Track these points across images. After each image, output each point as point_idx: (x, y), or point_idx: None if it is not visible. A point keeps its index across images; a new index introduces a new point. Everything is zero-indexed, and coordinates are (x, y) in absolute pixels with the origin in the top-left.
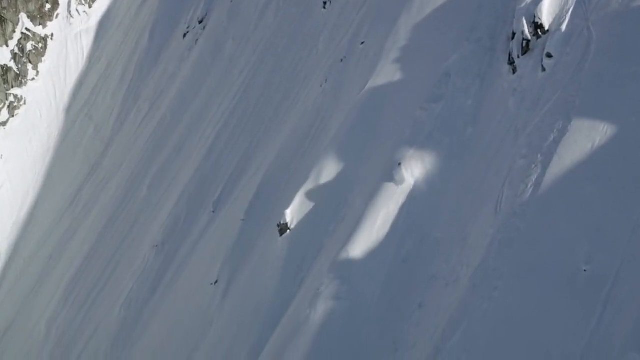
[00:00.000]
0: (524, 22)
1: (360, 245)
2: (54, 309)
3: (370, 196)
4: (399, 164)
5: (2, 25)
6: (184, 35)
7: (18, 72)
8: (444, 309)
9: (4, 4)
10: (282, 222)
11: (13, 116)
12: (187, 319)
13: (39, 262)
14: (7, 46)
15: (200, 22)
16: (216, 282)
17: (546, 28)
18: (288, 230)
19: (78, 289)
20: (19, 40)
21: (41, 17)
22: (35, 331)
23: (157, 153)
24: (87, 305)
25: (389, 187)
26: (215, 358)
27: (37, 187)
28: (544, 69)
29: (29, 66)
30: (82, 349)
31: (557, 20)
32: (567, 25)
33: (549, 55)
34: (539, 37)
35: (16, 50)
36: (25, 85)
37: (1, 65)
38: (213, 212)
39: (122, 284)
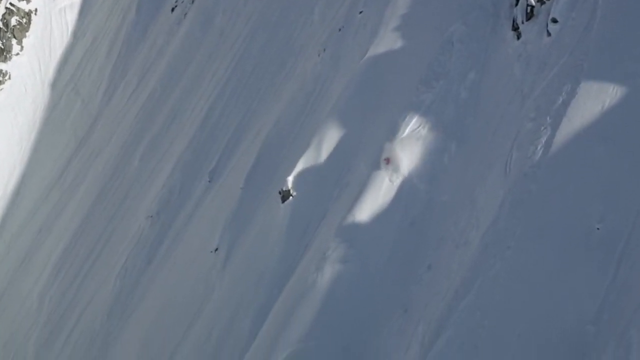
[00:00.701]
0: None
1: (366, 210)
2: (45, 280)
3: (375, 162)
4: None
5: None
6: (172, 9)
7: (2, 47)
8: (454, 270)
9: None
10: (284, 189)
11: None
12: (187, 287)
13: (28, 236)
14: None
15: None
16: (216, 250)
17: None
18: (290, 197)
19: (70, 261)
20: (3, 15)
21: None
22: (26, 303)
23: (147, 126)
24: (81, 276)
25: (393, 153)
26: (219, 324)
27: (23, 161)
28: (549, 34)
29: (14, 41)
30: (77, 319)
31: None
32: None
33: (554, 21)
34: (543, 3)
35: (0, 25)
36: (9, 60)
37: None
38: (209, 181)
39: (116, 254)
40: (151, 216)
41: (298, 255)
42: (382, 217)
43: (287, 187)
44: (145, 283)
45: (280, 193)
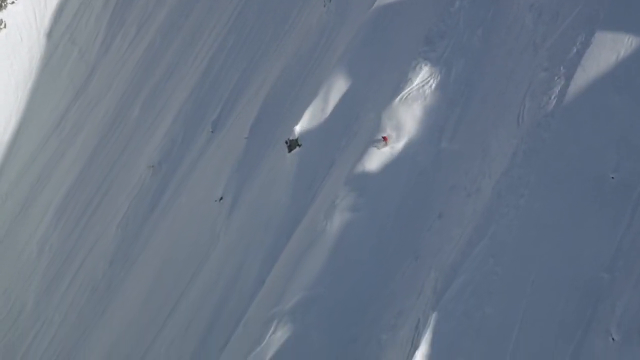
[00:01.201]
0: None
1: (376, 159)
2: (45, 229)
3: (383, 111)
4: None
5: None
6: None
7: None
8: (467, 217)
9: None
10: (290, 139)
11: None
12: (191, 235)
13: (26, 185)
14: None
15: None
16: (221, 199)
17: None
18: (298, 147)
19: (70, 210)
20: None
21: None
22: (25, 252)
23: (147, 76)
24: (81, 225)
25: (403, 102)
26: (226, 271)
27: (19, 110)
28: None
29: None
30: (78, 267)
31: None
32: None
33: None
34: None
35: None
36: (4, 9)
37: None
38: (212, 132)
39: (117, 203)
40: (153, 166)
41: (305, 204)
42: (391, 166)
43: (294, 136)
44: (147, 232)
45: (286, 142)
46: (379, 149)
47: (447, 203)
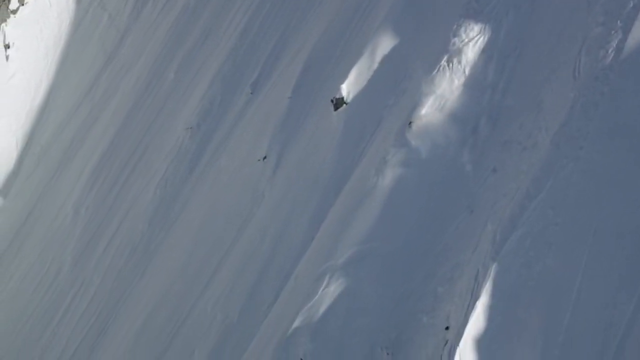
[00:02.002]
0: None
1: (426, 115)
2: (80, 192)
3: (433, 68)
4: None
5: None
6: None
7: None
8: (524, 171)
9: None
10: (336, 97)
11: (23, 4)
12: (234, 195)
13: (59, 149)
14: None
15: None
16: (264, 158)
17: None
18: (344, 105)
19: (106, 172)
20: None
21: None
22: (60, 215)
23: (181, 40)
24: (117, 187)
25: (451, 58)
26: (272, 228)
27: (50, 76)
28: None
29: None
30: (116, 229)
31: None
32: None
33: None
34: None
35: None
36: None
37: None
38: (251, 93)
39: (154, 165)
40: (191, 128)
41: (353, 161)
42: (443, 123)
43: (340, 94)
44: (186, 193)
45: (332, 101)
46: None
47: (501, 158)
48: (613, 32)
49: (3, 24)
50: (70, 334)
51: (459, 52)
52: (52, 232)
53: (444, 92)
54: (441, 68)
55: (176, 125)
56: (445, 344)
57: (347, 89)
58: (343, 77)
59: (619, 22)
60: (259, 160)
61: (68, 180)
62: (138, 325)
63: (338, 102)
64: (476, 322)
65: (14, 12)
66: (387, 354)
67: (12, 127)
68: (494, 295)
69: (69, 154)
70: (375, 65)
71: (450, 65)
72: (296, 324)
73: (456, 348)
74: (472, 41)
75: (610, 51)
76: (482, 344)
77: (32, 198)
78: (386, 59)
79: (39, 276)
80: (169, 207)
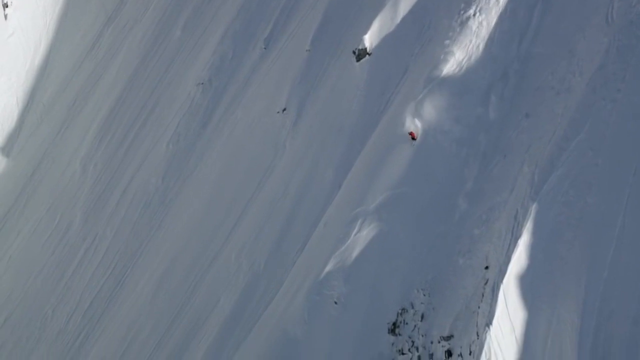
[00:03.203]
0: None
1: (454, 63)
2: (88, 148)
3: (459, 17)
4: None
5: None
6: None
7: None
8: (559, 114)
9: None
10: (359, 48)
11: None
12: (253, 147)
13: (62, 107)
14: None
15: None
16: (284, 110)
17: None
18: (367, 56)
19: (114, 128)
20: None
21: None
22: (68, 171)
23: None
24: (127, 143)
25: (478, 9)
26: (296, 177)
27: (49, 34)
28: None
29: None
30: (127, 183)
31: None
32: None
33: None
34: None
35: None
36: None
37: None
38: (265, 48)
39: (165, 121)
40: (202, 83)
41: (379, 110)
42: (472, 71)
43: (363, 45)
44: (201, 147)
45: (354, 52)
46: (410, 144)
47: (533, 103)
48: None
49: None
50: (84, 287)
51: (484, 3)
52: (59, 189)
53: (471, 40)
54: (467, 16)
55: (186, 81)
56: (486, 283)
57: (369, 39)
58: (365, 29)
59: None
60: (278, 112)
61: (74, 138)
62: (158, 275)
63: (361, 53)
64: (518, 260)
65: None
66: (424, 294)
67: (12, 86)
68: (535, 234)
69: (73, 112)
70: (399, 16)
71: (477, 14)
72: (328, 268)
73: (500, 285)
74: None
75: None
76: (525, 281)
77: (37, 155)
78: (409, 9)
79: (48, 231)
80: (182, 161)
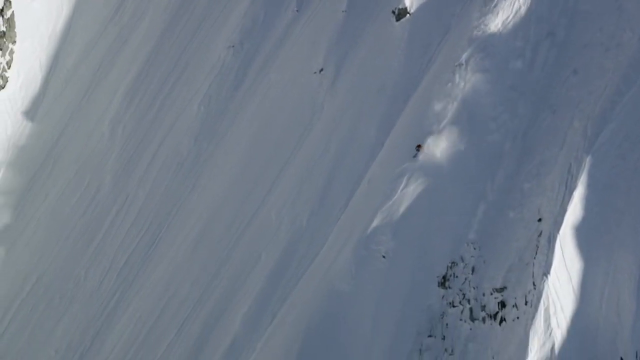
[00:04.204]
0: None
1: (499, 20)
2: (115, 111)
3: None
4: None
5: None
6: None
7: None
8: (610, 69)
9: None
10: (399, 7)
11: None
12: (289, 107)
13: (87, 71)
14: None
15: None
16: (321, 70)
17: None
18: (407, 15)
19: (141, 92)
20: None
21: None
22: (96, 133)
23: None
24: (156, 105)
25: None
26: (336, 136)
27: (71, 1)
28: None
29: None
30: (158, 145)
31: None
32: None
33: None
34: None
35: None
36: None
37: None
38: (297, 10)
39: (195, 83)
40: (233, 46)
41: (421, 69)
42: (517, 27)
43: (403, 5)
44: (234, 109)
45: (394, 12)
46: (415, 156)
47: (582, 60)
48: None
49: None
50: (117, 248)
51: None
52: (87, 151)
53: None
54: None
55: (216, 44)
56: (540, 235)
57: None
58: None
59: None
60: (315, 73)
61: (100, 101)
62: (194, 235)
63: (401, 13)
64: (574, 211)
65: None
66: (474, 248)
67: (35, 50)
68: (590, 186)
69: (99, 76)
70: None
71: (423, 146)
72: (375, 223)
73: (556, 236)
74: None
75: None
76: (581, 232)
77: (62, 119)
78: None
79: (77, 193)
80: (215, 122)
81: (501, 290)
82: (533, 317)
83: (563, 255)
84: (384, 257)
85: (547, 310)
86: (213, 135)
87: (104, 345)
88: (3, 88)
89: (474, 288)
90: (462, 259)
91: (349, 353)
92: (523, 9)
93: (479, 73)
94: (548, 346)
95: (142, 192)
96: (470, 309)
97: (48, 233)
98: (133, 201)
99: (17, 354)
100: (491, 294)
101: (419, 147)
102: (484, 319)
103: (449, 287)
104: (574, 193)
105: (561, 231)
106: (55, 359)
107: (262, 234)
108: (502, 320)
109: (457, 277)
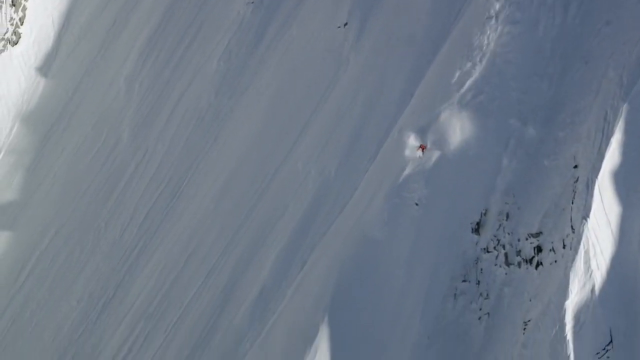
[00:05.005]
0: None
1: None
2: (131, 67)
3: None
4: None
5: None
6: None
7: None
8: None
9: None
10: None
11: None
12: (312, 62)
13: (100, 28)
14: None
15: None
16: (345, 24)
17: None
18: None
19: (158, 48)
20: None
21: None
22: (111, 90)
23: None
24: (174, 61)
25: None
26: (363, 88)
27: None
28: None
29: None
30: (177, 100)
31: None
32: None
33: None
34: None
35: None
36: None
37: None
38: None
39: (213, 39)
40: (252, 2)
41: (449, 21)
42: None
43: None
44: (255, 64)
45: None
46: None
47: (614, 11)
48: None
49: None
50: (137, 201)
51: None
52: (104, 107)
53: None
54: (417, 150)
55: (234, 0)
56: (576, 181)
57: None
58: None
59: None
60: (339, 27)
61: (115, 58)
62: (218, 187)
63: None
64: (612, 157)
65: None
66: (508, 195)
67: (47, 7)
68: (627, 132)
69: (114, 33)
70: None
71: (425, 146)
72: (407, 171)
73: (595, 181)
74: None
75: None
76: (619, 177)
77: (76, 75)
78: None
79: (94, 148)
80: (236, 77)
81: (537, 235)
82: (573, 260)
83: (602, 200)
84: (417, 204)
85: (587, 252)
86: (234, 90)
87: (128, 295)
88: (16, 44)
89: (508, 234)
90: (496, 206)
91: (383, 299)
92: None
93: (510, 25)
94: (588, 287)
95: (162, 146)
96: (506, 254)
97: (65, 187)
98: (152, 155)
99: (38, 305)
100: (526, 239)
101: (422, 147)
102: (519, 264)
103: (483, 234)
104: (612, 139)
105: (599, 176)
106: (77, 309)
107: (288, 185)
108: (539, 264)
109: (491, 223)
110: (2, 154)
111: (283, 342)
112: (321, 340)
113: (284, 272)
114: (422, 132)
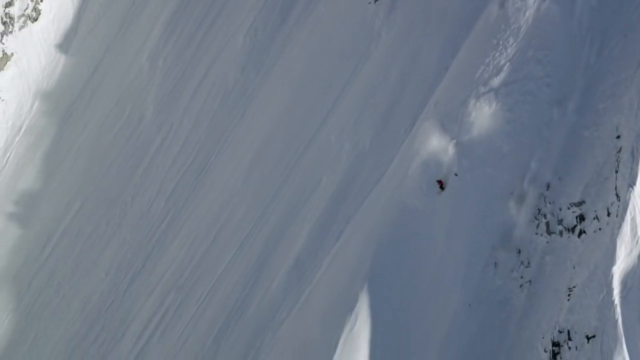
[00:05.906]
0: None
1: None
2: (154, 44)
3: None
4: None
5: None
6: None
7: None
8: None
9: None
10: None
11: None
12: (342, 38)
13: (121, 5)
14: None
15: None
16: (376, 0)
17: None
18: None
19: (181, 25)
20: None
21: None
22: (134, 66)
23: None
24: (197, 39)
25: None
26: (396, 63)
27: None
28: None
29: None
30: (203, 76)
31: None
32: None
33: None
34: None
35: None
36: None
37: None
38: None
39: (238, 17)
40: None
41: None
42: None
43: None
44: (281, 41)
45: None
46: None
47: None
48: None
49: None
50: (164, 175)
51: None
52: (126, 83)
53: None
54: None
55: None
56: (619, 151)
57: None
58: None
59: None
60: (369, 3)
61: (138, 34)
62: (247, 160)
63: None
64: None
65: None
66: (549, 165)
67: None
68: None
69: (135, 11)
70: None
71: (443, 181)
72: (445, 142)
73: None
74: None
75: None
76: None
77: (97, 52)
78: None
79: (118, 123)
80: (262, 53)
81: (579, 204)
82: (619, 227)
83: None
84: (456, 174)
85: (633, 219)
86: (261, 66)
87: (157, 267)
88: (36, 20)
89: (549, 203)
90: (536, 177)
91: (422, 269)
92: None
93: (548, 4)
94: (635, 253)
95: (188, 121)
96: (547, 223)
97: (88, 162)
98: (178, 130)
99: (64, 277)
100: (568, 208)
101: (440, 183)
102: (561, 232)
103: (523, 203)
104: None
105: None
106: (105, 280)
107: (321, 158)
108: (582, 232)
109: (531, 193)
110: (23, 129)
111: (321, 310)
112: (361, 309)
113: (319, 243)
114: (461, 105)
